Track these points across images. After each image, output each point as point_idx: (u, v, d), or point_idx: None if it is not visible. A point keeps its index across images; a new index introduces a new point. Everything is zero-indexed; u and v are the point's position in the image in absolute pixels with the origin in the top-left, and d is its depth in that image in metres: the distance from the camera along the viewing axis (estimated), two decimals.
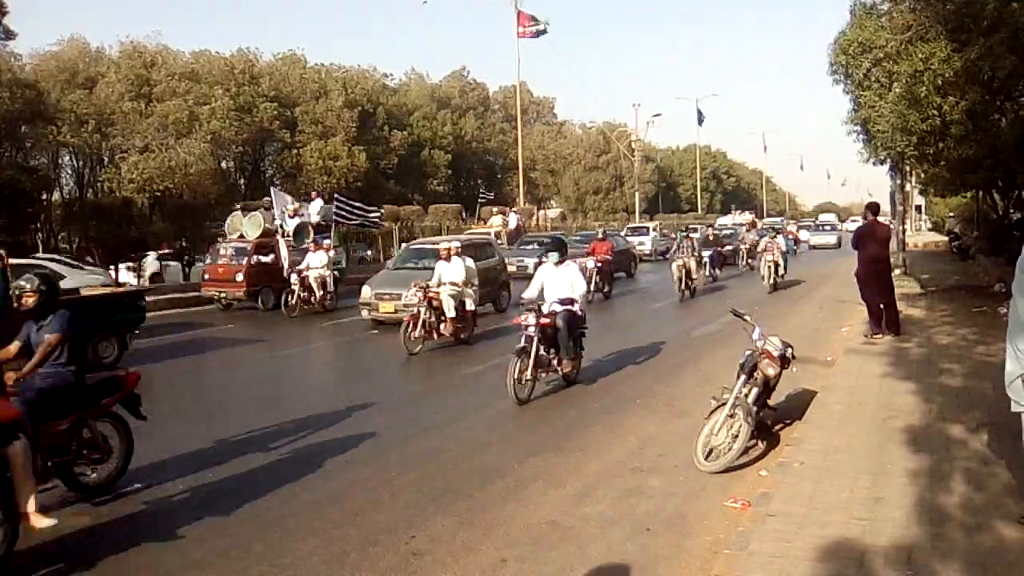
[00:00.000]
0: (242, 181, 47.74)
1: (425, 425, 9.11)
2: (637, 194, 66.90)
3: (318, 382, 12.58)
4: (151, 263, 29.18)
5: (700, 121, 76.33)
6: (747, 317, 7.96)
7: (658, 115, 71.83)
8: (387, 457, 7.87)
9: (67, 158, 41.30)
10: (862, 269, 12.90)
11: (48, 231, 35.64)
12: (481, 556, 5.45)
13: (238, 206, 29.28)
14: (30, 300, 6.48)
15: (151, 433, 7.75)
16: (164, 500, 6.80)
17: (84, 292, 14.10)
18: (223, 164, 45.18)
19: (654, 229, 45.14)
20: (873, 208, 13.60)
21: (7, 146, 33.86)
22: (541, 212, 59.96)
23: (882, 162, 19.41)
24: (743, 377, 7.36)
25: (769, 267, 22.33)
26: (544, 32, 46.58)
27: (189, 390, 11.93)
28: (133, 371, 7.43)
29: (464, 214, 49.75)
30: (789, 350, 7.74)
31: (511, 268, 22.95)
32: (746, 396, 7.28)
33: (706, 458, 7.08)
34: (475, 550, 5.55)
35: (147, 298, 15.64)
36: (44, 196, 34.55)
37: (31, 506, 5.45)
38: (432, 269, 14.65)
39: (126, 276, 27.67)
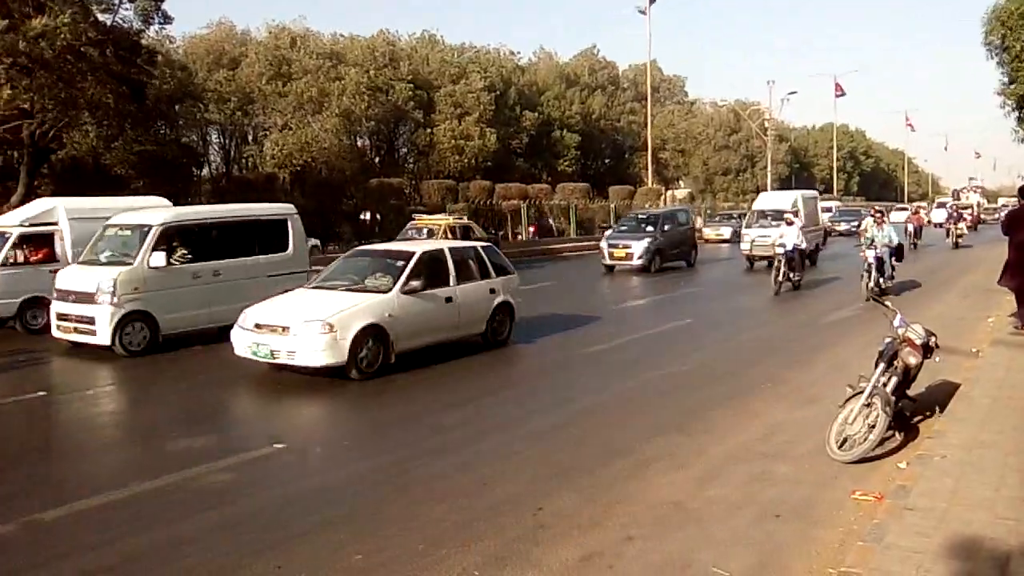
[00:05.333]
0: (376, 159, 49.06)
1: (551, 400, 9.21)
2: (769, 175, 64.86)
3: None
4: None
5: (841, 94, 73.08)
6: (888, 303, 7.65)
7: (793, 93, 69.72)
8: (514, 431, 8.02)
9: (214, 136, 43.55)
10: (1013, 255, 12.11)
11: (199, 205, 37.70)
12: (605, 532, 5.50)
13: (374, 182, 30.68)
14: None
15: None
16: (294, 457, 7.16)
17: None
18: (358, 142, 46.58)
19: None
20: None
21: (162, 124, 35.95)
22: (669, 192, 59.04)
23: None
24: (882, 365, 7.09)
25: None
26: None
27: None
28: None
29: (592, 193, 49.59)
30: (932, 339, 7.39)
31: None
32: (884, 385, 7.01)
33: (839, 447, 6.88)
34: (600, 525, 5.60)
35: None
36: (195, 172, 36.65)
37: None
38: None
39: None
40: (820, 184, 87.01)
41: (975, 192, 79.93)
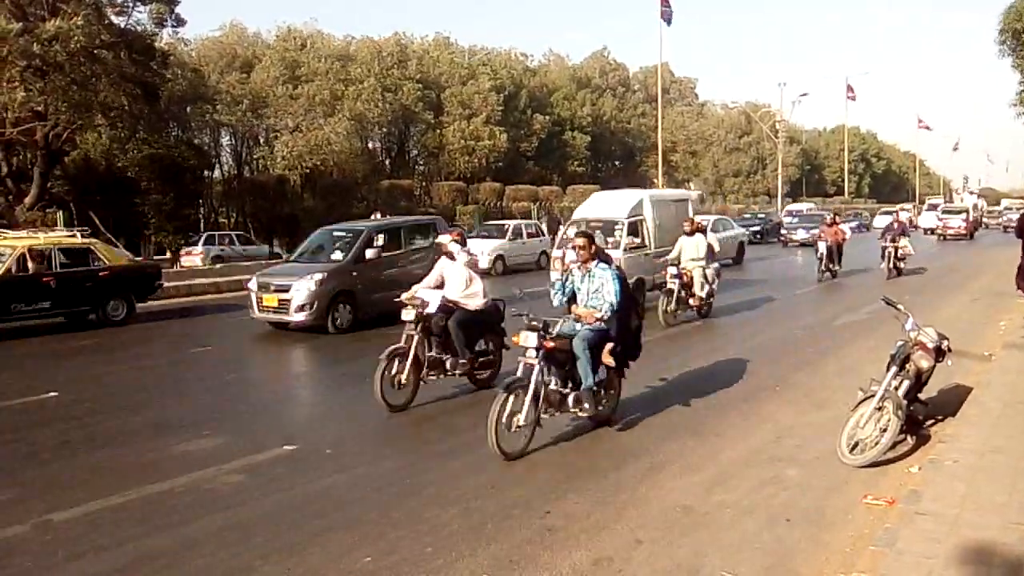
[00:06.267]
0: (387, 161, 49.22)
1: None
2: (780, 177, 64.69)
3: None
4: None
5: (852, 98, 72.70)
6: (900, 307, 7.62)
7: (804, 95, 69.38)
8: None
9: (226, 138, 43.78)
10: None
11: (209, 207, 37.92)
12: (615, 536, 5.49)
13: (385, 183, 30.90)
14: None
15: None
16: (305, 458, 7.18)
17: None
18: (369, 144, 46.74)
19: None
20: None
21: (174, 126, 36.15)
22: None
23: None
24: (894, 369, 7.05)
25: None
26: (669, 21, 46.24)
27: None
28: None
29: None
30: (945, 342, 7.34)
31: None
32: (896, 389, 6.98)
33: (851, 451, 6.85)
34: (609, 529, 5.59)
35: None
36: (206, 174, 36.81)
37: None
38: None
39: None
40: (831, 186, 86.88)
41: (971, 194, 73.33)
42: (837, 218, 23.97)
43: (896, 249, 22.49)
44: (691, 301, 14.94)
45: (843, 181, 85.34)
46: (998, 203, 77.58)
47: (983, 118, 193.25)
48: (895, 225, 23.34)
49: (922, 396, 7.56)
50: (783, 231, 40.80)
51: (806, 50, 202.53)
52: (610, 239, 15.79)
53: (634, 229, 16.23)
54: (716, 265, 15.56)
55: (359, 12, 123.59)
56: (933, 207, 54.85)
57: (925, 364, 7.15)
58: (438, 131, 46.22)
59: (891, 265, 22.35)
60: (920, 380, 7.26)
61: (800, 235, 37.73)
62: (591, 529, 5.59)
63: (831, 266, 22.13)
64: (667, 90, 65.70)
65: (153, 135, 30.60)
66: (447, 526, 5.67)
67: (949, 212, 46.83)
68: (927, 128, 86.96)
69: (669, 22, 46.23)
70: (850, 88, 72.82)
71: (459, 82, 48.24)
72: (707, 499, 6.17)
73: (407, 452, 7.52)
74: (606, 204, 17.40)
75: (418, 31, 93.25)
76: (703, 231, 15.69)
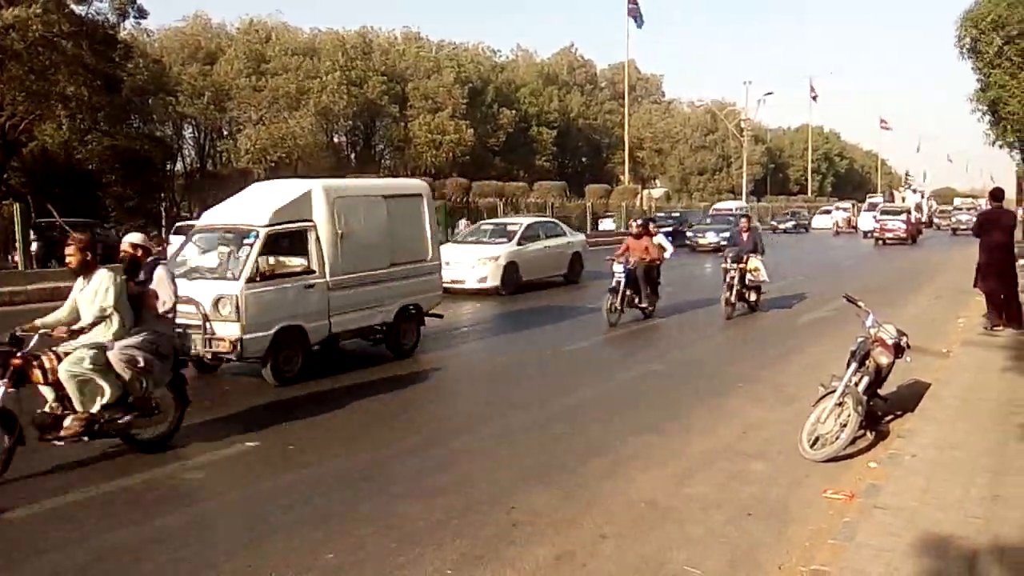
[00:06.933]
0: (352, 155, 48.90)
1: (529, 399, 9.22)
2: (744, 175, 65.32)
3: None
4: None
5: (815, 97, 73.73)
6: (861, 304, 7.74)
7: (769, 94, 70.13)
8: (490, 429, 8.01)
9: (188, 130, 43.22)
10: (984, 257, 12.29)
11: (171, 200, 37.42)
12: (581, 531, 5.51)
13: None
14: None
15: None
16: (267, 454, 7.12)
17: None
18: (334, 138, 46.42)
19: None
20: (997, 194, 12.95)
21: (135, 118, 35.58)
22: (645, 192, 59.27)
23: (1011, 145, 18.41)
24: (854, 365, 7.16)
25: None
26: (640, 22, 46.63)
27: None
28: None
29: (568, 191, 49.68)
30: (904, 339, 7.48)
31: None
32: (856, 384, 7.08)
33: (812, 446, 6.94)
34: (575, 524, 5.61)
35: None
36: (168, 166, 36.30)
37: None
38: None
39: None
40: (795, 185, 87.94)
41: (915, 192, 66.36)
42: (651, 227, 16.00)
43: (742, 273, 14.83)
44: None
45: (807, 180, 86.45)
46: (951, 201, 72.10)
47: (945, 118, 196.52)
48: (742, 235, 15.48)
49: (882, 392, 7.69)
50: (689, 234, 35.04)
51: (771, 49, 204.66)
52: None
53: (283, 243, 10.42)
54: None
55: (325, 4, 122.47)
56: (873, 206, 48.89)
57: (884, 360, 7.28)
58: (404, 124, 46.03)
59: (731, 298, 14.72)
60: (880, 376, 7.39)
61: (710, 239, 33.16)
62: (556, 524, 5.60)
63: (637, 302, 14.32)
64: (634, 87, 66.05)
65: (114, 127, 30.13)
66: (413, 522, 5.65)
67: (888, 213, 41.01)
68: (888, 128, 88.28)
69: (639, 23, 46.57)
70: (812, 88, 73.79)
71: (424, 75, 48.07)
72: (672, 494, 6.21)
73: (372, 448, 7.48)
74: (248, 203, 10.84)
75: (387, 25, 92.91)
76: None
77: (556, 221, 23.39)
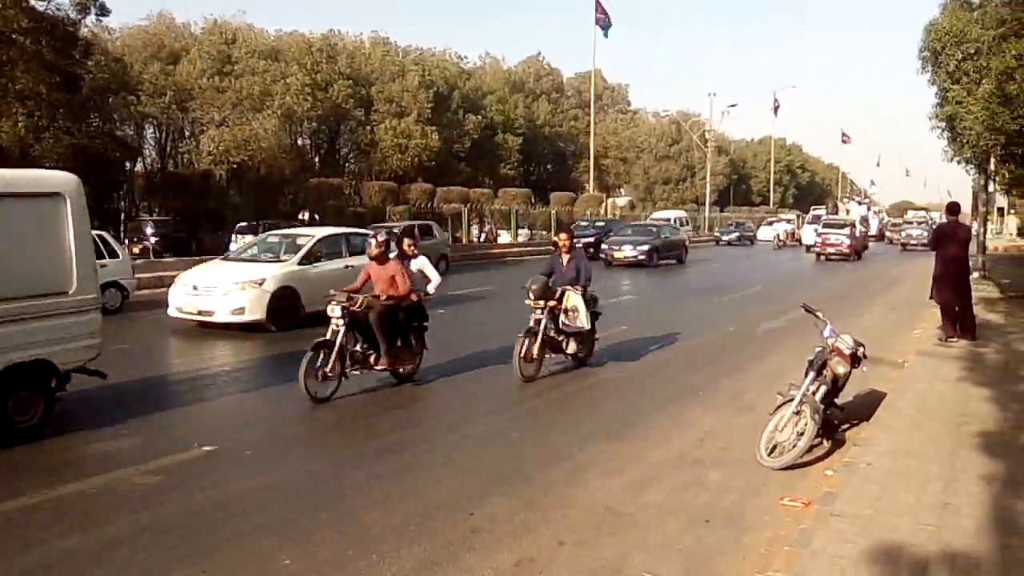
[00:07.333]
0: (317, 158, 48.58)
1: (488, 407, 9.20)
2: (708, 185, 65.99)
3: None
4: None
5: (777, 107, 74.78)
6: (819, 314, 7.84)
7: (733, 106, 70.74)
8: (449, 436, 7.98)
9: (150, 130, 42.64)
10: (939, 269, 12.51)
11: (131, 200, 36.84)
12: (539, 537, 5.50)
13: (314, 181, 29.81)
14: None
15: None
16: (224, 459, 7.02)
17: None
18: (298, 141, 46.08)
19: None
20: (953, 208, 13.20)
21: (95, 116, 35.00)
22: (610, 200, 59.61)
23: (967, 161, 18.79)
24: (812, 374, 7.25)
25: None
26: (606, 30, 47.07)
27: None
28: None
29: (533, 198, 49.81)
30: (861, 349, 7.59)
31: None
32: (814, 393, 7.17)
33: (769, 454, 7.00)
34: (533, 531, 5.60)
35: None
36: (128, 166, 35.73)
37: None
38: None
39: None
40: (758, 196, 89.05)
41: (860, 204, 62.63)
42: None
43: (553, 313, 10.33)
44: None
45: (769, 191, 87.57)
46: (904, 214, 71.88)
47: (905, 133, 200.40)
48: (561, 259, 10.94)
49: (839, 401, 7.78)
50: (604, 247, 30.96)
51: (736, 62, 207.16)
52: None
53: None
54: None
55: (290, 5, 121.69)
56: (817, 219, 46.93)
57: (841, 370, 7.38)
58: (369, 128, 45.84)
59: (532, 350, 10.17)
60: (837, 385, 7.49)
61: (627, 252, 29.73)
62: (515, 531, 5.59)
63: (373, 361, 9.56)
64: (600, 96, 66.40)
65: (74, 125, 29.59)
66: (371, 528, 5.60)
67: (831, 226, 37.90)
68: (848, 141, 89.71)
69: (606, 32, 46.96)
70: (776, 100, 74.81)
71: (389, 79, 47.94)
72: (631, 501, 6.23)
73: (329, 453, 7.42)
74: None
75: (355, 29, 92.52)
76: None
77: (368, 232, 14.06)
